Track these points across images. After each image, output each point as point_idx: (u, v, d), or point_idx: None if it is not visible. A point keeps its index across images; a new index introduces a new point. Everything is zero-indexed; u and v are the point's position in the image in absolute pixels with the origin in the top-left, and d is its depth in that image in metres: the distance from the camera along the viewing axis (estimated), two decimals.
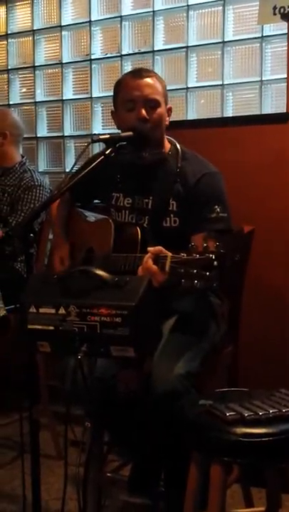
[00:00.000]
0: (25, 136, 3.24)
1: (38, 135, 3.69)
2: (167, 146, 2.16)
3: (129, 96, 2.06)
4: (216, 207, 1.93)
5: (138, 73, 2.11)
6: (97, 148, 3.06)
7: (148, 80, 2.07)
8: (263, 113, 2.94)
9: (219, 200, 2.00)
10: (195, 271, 1.56)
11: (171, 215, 2.07)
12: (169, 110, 2.14)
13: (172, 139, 2.18)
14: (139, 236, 2.02)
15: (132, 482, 2.18)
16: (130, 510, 2.21)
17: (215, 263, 1.54)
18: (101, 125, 3.50)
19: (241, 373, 2.34)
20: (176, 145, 2.16)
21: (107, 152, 1.93)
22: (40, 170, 3.62)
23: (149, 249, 1.75)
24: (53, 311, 1.58)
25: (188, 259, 1.60)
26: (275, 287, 2.61)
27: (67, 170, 3.59)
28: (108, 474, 2.24)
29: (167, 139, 2.18)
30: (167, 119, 2.13)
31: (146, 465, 2.16)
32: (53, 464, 2.70)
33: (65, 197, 2.23)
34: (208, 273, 1.54)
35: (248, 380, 2.31)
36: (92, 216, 2.29)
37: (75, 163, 2.04)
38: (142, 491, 2.11)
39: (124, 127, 2.07)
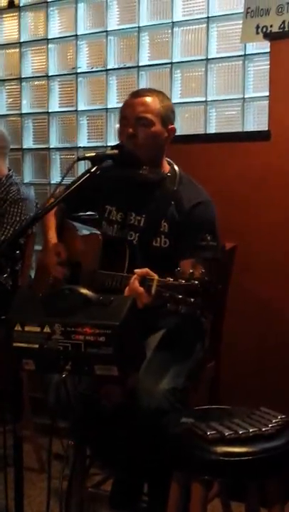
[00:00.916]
0: (11, 147, 3.25)
1: (24, 146, 3.71)
2: (166, 167, 2.18)
3: (123, 113, 2.10)
4: (207, 235, 1.97)
5: (137, 92, 2.14)
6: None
7: (145, 98, 2.08)
8: (245, 130, 2.99)
9: (211, 230, 2.01)
10: (180, 296, 1.60)
11: (162, 236, 2.09)
12: (171, 131, 2.13)
13: (171, 161, 2.20)
14: (128, 253, 2.04)
15: (114, 497, 2.20)
16: None
17: (200, 290, 1.57)
18: (86, 138, 3.53)
19: (223, 387, 2.37)
20: (174, 168, 2.18)
21: (92, 170, 1.94)
22: (25, 181, 3.64)
23: (136, 271, 1.78)
24: (38, 329, 1.60)
25: (174, 283, 1.63)
26: (257, 302, 2.65)
27: (52, 182, 3.61)
28: (90, 489, 2.25)
29: (167, 161, 2.19)
30: (165, 139, 2.11)
31: (128, 480, 2.18)
32: (35, 478, 2.71)
33: (60, 206, 2.23)
34: (192, 299, 1.58)
35: (229, 394, 2.34)
36: (82, 229, 2.30)
37: (61, 181, 2.05)
38: (124, 505, 2.13)
39: (118, 143, 2.10)
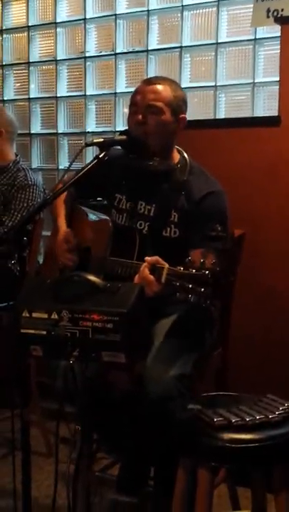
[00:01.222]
0: (18, 132, 3.25)
1: (32, 132, 3.70)
2: (176, 157, 2.16)
3: (133, 99, 2.10)
4: (218, 225, 1.96)
5: (149, 79, 2.12)
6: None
7: (157, 86, 2.06)
8: (254, 115, 2.96)
9: (221, 220, 2.00)
10: (190, 285, 1.59)
11: (172, 226, 2.09)
12: (182, 120, 2.11)
13: (182, 150, 2.18)
14: (137, 242, 2.03)
15: (121, 481, 2.21)
16: (118, 509, 2.24)
17: (210, 280, 1.57)
18: (95, 123, 3.52)
19: (230, 375, 2.37)
20: (185, 157, 2.16)
21: (100, 156, 1.93)
22: (33, 166, 3.63)
23: (146, 258, 1.78)
24: (45, 315, 1.60)
25: (185, 273, 1.63)
26: (265, 290, 2.65)
27: (60, 167, 3.61)
28: (97, 473, 2.27)
29: (177, 149, 2.17)
30: (175, 128, 2.09)
31: (134, 465, 2.20)
32: (42, 462, 2.73)
33: (70, 191, 2.22)
34: (202, 289, 1.57)
35: (236, 382, 2.34)
36: (93, 215, 2.29)
37: (69, 167, 2.04)
38: (130, 490, 2.14)
39: (126, 129, 2.09)
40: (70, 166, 2.05)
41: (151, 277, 1.74)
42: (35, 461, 2.55)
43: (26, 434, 1.91)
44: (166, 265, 1.72)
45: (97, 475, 2.27)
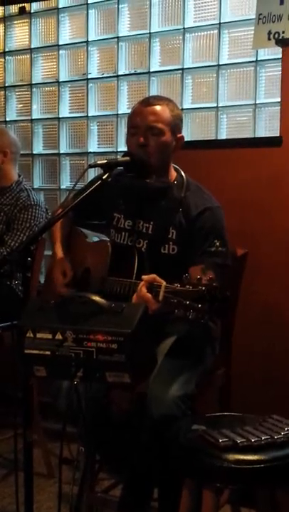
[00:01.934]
0: (21, 152, 3.26)
1: (34, 152, 3.72)
2: (173, 174, 2.18)
3: (133, 122, 2.10)
4: (216, 241, 1.97)
5: (147, 101, 2.13)
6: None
7: (155, 107, 2.08)
8: (256, 136, 2.99)
9: (219, 235, 2.03)
10: (187, 302, 1.60)
11: (170, 243, 2.10)
12: (180, 139, 2.13)
13: (178, 168, 2.20)
14: (136, 260, 2.04)
15: (123, 502, 2.19)
16: None
17: (207, 296, 1.57)
18: (97, 143, 3.54)
19: (233, 394, 2.37)
20: (182, 175, 2.18)
21: (104, 177, 1.95)
22: (35, 186, 3.65)
23: (144, 277, 1.79)
24: (49, 336, 1.60)
25: (182, 289, 1.64)
26: (268, 308, 2.65)
27: (62, 187, 3.63)
28: (99, 494, 2.25)
29: (173, 167, 2.19)
30: (173, 147, 2.11)
31: (137, 486, 2.18)
32: (43, 482, 2.71)
33: (68, 214, 2.24)
34: (199, 305, 1.58)
35: (240, 400, 2.34)
36: (91, 236, 2.31)
37: (73, 187, 2.06)
38: (133, 511, 2.12)
39: (128, 151, 2.10)
40: (74, 186, 2.06)
41: (149, 295, 1.75)
42: (36, 482, 2.53)
43: (29, 455, 1.89)
44: (164, 283, 1.72)
45: (100, 496, 2.25)
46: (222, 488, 1.72)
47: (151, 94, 3.17)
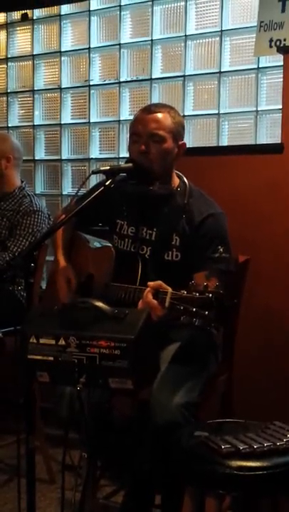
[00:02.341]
0: (23, 158, 3.27)
1: (36, 158, 3.73)
2: (176, 181, 2.18)
3: (135, 129, 2.11)
4: (220, 247, 1.97)
5: (148, 108, 2.14)
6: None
7: (157, 115, 2.08)
8: (257, 142, 3.00)
9: (223, 241, 2.03)
10: (194, 309, 1.60)
11: (174, 249, 2.10)
12: (182, 146, 2.14)
13: (181, 175, 2.20)
14: (140, 267, 2.05)
15: (125, 509, 2.19)
16: None
17: (214, 303, 1.58)
18: (98, 150, 3.56)
19: (235, 400, 2.37)
20: (184, 181, 2.18)
21: (106, 183, 1.95)
22: (37, 192, 3.67)
23: (149, 283, 1.79)
24: (53, 341, 1.60)
25: (188, 296, 1.64)
26: (270, 315, 2.65)
27: (63, 193, 3.64)
28: (101, 500, 2.25)
29: (176, 174, 2.19)
30: (175, 154, 2.12)
31: (139, 492, 2.18)
32: (45, 489, 2.70)
33: (71, 220, 2.24)
34: (206, 312, 1.58)
35: (242, 408, 2.33)
36: (94, 242, 2.32)
37: (76, 193, 2.07)
38: None
39: (131, 157, 2.11)
40: (77, 192, 2.08)
41: (155, 302, 1.75)
42: (37, 488, 2.52)
43: (31, 461, 1.89)
44: (170, 289, 1.73)
45: (102, 502, 2.24)
46: (224, 495, 1.72)
47: (152, 101, 3.19)
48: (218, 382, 2.25)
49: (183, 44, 3.19)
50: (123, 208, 2.23)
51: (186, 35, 3.18)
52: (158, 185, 2.07)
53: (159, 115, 2.09)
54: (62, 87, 3.62)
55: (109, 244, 2.23)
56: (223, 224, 2.12)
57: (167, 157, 2.10)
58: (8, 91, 3.83)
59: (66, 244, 2.34)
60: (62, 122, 3.63)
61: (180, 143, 2.13)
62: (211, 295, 1.61)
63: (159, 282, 1.77)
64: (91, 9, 3.46)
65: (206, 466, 1.63)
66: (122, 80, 3.40)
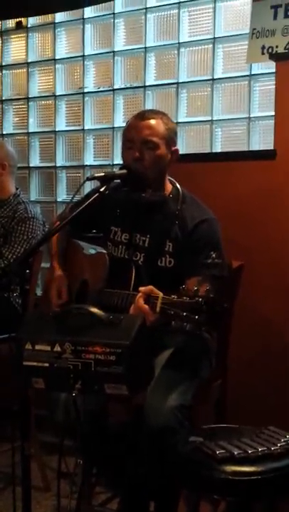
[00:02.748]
0: (18, 165, 3.27)
1: (31, 165, 3.74)
2: (168, 187, 2.19)
3: (128, 136, 2.12)
4: (212, 253, 1.98)
5: (142, 115, 2.15)
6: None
7: (150, 121, 2.10)
8: (250, 149, 3.02)
9: (215, 247, 2.04)
10: (184, 313, 1.61)
11: (167, 256, 2.11)
12: (175, 153, 2.15)
13: (174, 181, 2.21)
14: (133, 273, 2.06)
15: None
16: None
17: (204, 307, 1.59)
18: (93, 156, 3.57)
19: (229, 405, 2.37)
20: (177, 187, 2.19)
21: (101, 190, 1.96)
22: (31, 199, 3.67)
23: (141, 289, 1.80)
24: (48, 348, 1.61)
25: (178, 301, 1.65)
26: (264, 320, 2.66)
27: (58, 200, 3.65)
28: (96, 507, 2.25)
29: (169, 180, 2.21)
30: (169, 160, 2.13)
31: (134, 498, 2.18)
32: (40, 496, 2.69)
33: (65, 227, 2.25)
34: (196, 317, 1.59)
35: (236, 413, 2.34)
36: (89, 248, 2.33)
37: (71, 200, 2.08)
38: None
39: (125, 164, 2.12)
40: (72, 199, 2.09)
41: (146, 307, 1.76)
42: (32, 495, 2.52)
43: (27, 469, 1.89)
44: (161, 294, 1.74)
45: (97, 509, 2.24)
46: (219, 500, 1.72)
47: (146, 108, 3.20)
48: (212, 388, 2.26)
49: (176, 51, 3.21)
50: (117, 214, 2.24)
51: (179, 43, 3.20)
52: (150, 192, 2.09)
53: (152, 122, 2.10)
54: (57, 94, 3.63)
55: (104, 251, 2.24)
56: (216, 229, 2.13)
57: (161, 163, 2.11)
58: (3, 98, 3.83)
59: (62, 251, 2.35)
60: (56, 129, 3.64)
61: (173, 149, 2.15)
62: (201, 299, 1.62)
63: (150, 287, 1.79)
64: (85, 17, 3.48)
65: (201, 471, 1.63)
66: (116, 87, 3.42)
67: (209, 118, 3.13)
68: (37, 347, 1.62)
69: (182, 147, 3.21)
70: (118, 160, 3.39)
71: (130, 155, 2.09)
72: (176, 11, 3.19)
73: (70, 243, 2.38)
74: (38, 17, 3.63)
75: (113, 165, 3.43)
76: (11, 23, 3.76)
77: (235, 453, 1.62)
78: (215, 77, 3.11)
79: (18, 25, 3.71)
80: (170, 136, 2.13)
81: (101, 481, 2.45)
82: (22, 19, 3.68)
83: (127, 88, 3.40)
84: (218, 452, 1.63)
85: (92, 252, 2.32)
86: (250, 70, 3.00)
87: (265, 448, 1.65)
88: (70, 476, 1.92)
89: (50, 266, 2.35)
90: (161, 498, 2.05)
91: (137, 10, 3.32)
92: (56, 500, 1.80)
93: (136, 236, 2.18)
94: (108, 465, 2.23)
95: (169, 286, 1.76)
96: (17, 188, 3.11)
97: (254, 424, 1.86)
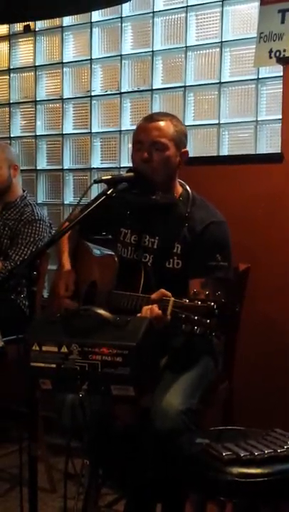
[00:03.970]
0: (25, 168, 3.30)
1: (38, 167, 3.76)
2: (179, 189, 2.20)
3: (137, 137, 2.13)
4: (218, 255, 1.98)
5: (151, 117, 2.16)
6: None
7: (159, 123, 2.11)
8: (257, 152, 3.02)
9: (222, 249, 2.04)
10: (196, 317, 1.61)
11: (175, 258, 2.11)
12: (184, 154, 2.16)
13: (184, 183, 2.22)
14: (142, 275, 2.06)
15: None
16: None
17: (216, 311, 1.59)
18: (100, 159, 3.58)
19: (236, 407, 2.38)
20: (187, 190, 2.20)
21: (108, 193, 1.98)
22: (38, 201, 3.68)
23: (152, 296, 1.81)
24: (55, 349, 1.62)
25: (190, 305, 1.66)
26: (270, 322, 2.66)
27: (65, 202, 3.66)
28: (102, 509, 2.25)
29: (179, 182, 2.21)
30: (178, 162, 2.14)
31: (140, 500, 2.18)
32: (46, 497, 2.70)
33: (74, 228, 2.26)
34: (208, 320, 1.59)
35: (242, 415, 2.34)
36: (98, 250, 2.33)
37: (78, 203, 2.09)
38: None
39: (132, 166, 2.13)
40: (79, 202, 2.09)
41: (158, 310, 1.76)
42: (39, 497, 2.53)
43: (34, 470, 1.90)
44: (172, 298, 1.74)
45: (103, 510, 2.25)
46: (226, 502, 1.72)
47: (153, 111, 3.21)
48: (219, 390, 2.26)
49: (183, 55, 3.22)
50: (127, 216, 2.24)
51: (186, 46, 3.21)
52: (160, 195, 2.09)
53: (162, 123, 2.11)
54: (64, 97, 3.65)
55: (113, 253, 2.25)
56: (225, 232, 2.13)
57: (169, 165, 2.12)
58: (11, 102, 3.85)
59: (72, 251, 2.36)
60: (64, 132, 3.65)
61: (182, 151, 2.15)
62: (213, 303, 1.62)
63: (161, 292, 1.79)
64: (93, 21, 3.50)
65: (208, 473, 1.64)
66: (123, 90, 3.43)
67: (216, 121, 3.14)
68: (44, 348, 1.63)
69: (189, 150, 3.18)
70: (125, 163, 3.40)
71: (139, 156, 2.10)
72: (184, 14, 3.20)
73: (79, 245, 2.39)
74: (45, 21, 3.65)
75: (120, 168, 3.44)
76: (18, 26, 3.77)
77: (242, 455, 1.63)
78: (222, 81, 3.11)
79: (26, 28, 3.73)
80: (179, 138, 2.14)
81: (107, 483, 2.46)
82: (30, 23, 3.69)
83: (134, 91, 3.41)
84: (224, 454, 1.63)
85: (101, 253, 2.32)
86: (258, 73, 3.00)
87: (271, 450, 1.65)
88: (76, 477, 1.93)
89: (58, 265, 2.36)
90: (167, 499, 2.05)
91: (145, 14, 3.33)
92: (63, 502, 1.80)
93: (145, 238, 2.18)
94: (115, 466, 2.23)
95: (177, 288, 1.77)
96: (24, 190, 3.13)
97: (260, 427, 1.86)
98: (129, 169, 2.10)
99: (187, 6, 3.18)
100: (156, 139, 2.09)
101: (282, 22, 2.76)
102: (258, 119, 3.03)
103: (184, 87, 3.23)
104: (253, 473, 1.59)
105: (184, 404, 1.93)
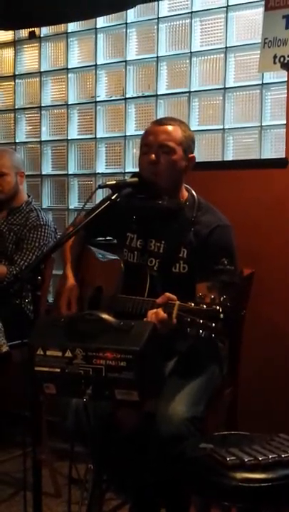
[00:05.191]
0: (30, 173, 3.32)
1: (43, 173, 3.77)
2: (185, 194, 2.20)
3: (145, 140, 2.13)
4: (224, 259, 1.98)
5: (159, 121, 2.17)
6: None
7: (167, 127, 2.11)
8: (262, 157, 3.02)
9: (228, 253, 2.04)
10: (201, 321, 1.61)
11: (181, 262, 2.11)
12: (191, 160, 2.16)
13: (190, 188, 2.22)
14: (148, 279, 2.06)
15: None
16: None
17: (221, 315, 1.59)
18: (104, 165, 3.59)
19: (240, 414, 2.37)
20: (193, 195, 2.20)
21: (112, 198, 1.98)
22: (43, 207, 3.70)
23: (157, 300, 1.81)
24: (59, 353, 1.62)
25: (196, 308, 1.66)
26: (275, 327, 2.66)
27: (70, 207, 3.67)
28: None
29: (185, 187, 2.22)
30: (184, 167, 2.14)
31: (144, 505, 2.18)
32: (50, 502, 2.70)
33: (79, 233, 2.24)
34: (213, 324, 1.59)
35: (247, 420, 2.34)
36: (103, 255, 2.34)
37: (82, 208, 2.09)
38: None
39: (137, 172, 2.13)
40: (83, 207, 2.10)
41: (164, 314, 1.77)
42: (43, 502, 2.52)
43: (38, 474, 1.90)
44: (177, 302, 1.74)
45: None
46: (230, 507, 1.72)
47: (158, 117, 3.22)
48: (223, 395, 2.26)
49: (188, 61, 3.23)
50: (133, 221, 2.24)
51: (191, 52, 3.22)
52: (167, 199, 2.09)
53: (170, 127, 2.12)
54: (69, 103, 3.66)
55: (118, 258, 2.25)
56: (230, 236, 2.13)
57: (176, 169, 2.12)
58: (16, 107, 3.88)
59: (75, 258, 2.36)
60: (69, 138, 3.67)
61: (189, 156, 2.15)
62: (218, 307, 1.62)
63: (166, 295, 1.79)
64: (97, 27, 3.52)
65: (212, 478, 1.63)
66: (128, 96, 3.45)
67: (221, 126, 3.15)
68: (48, 352, 1.63)
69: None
70: (130, 168, 3.41)
71: (146, 159, 2.10)
72: (188, 20, 3.21)
73: (85, 249, 2.39)
74: (51, 27, 3.67)
75: (125, 173, 3.45)
76: (24, 32, 3.79)
77: (246, 460, 1.62)
78: (227, 86, 3.13)
79: (31, 35, 3.75)
80: (187, 142, 2.14)
81: (112, 488, 2.46)
82: (35, 29, 3.72)
83: (139, 97, 3.43)
84: (228, 459, 1.63)
85: (107, 258, 2.33)
86: (262, 79, 3.01)
87: (275, 455, 1.65)
88: (80, 482, 1.94)
89: (62, 273, 2.36)
90: (171, 504, 2.05)
91: (149, 20, 3.35)
92: (67, 507, 1.80)
93: (151, 242, 2.19)
94: (119, 471, 2.23)
95: (182, 292, 1.77)
96: (29, 196, 3.14)
97: (265, 432, 1.86)
98: (134, 174, 2.11)
99: (192, 12, 3.20)
100: (164, 142, 2.09)
101: (287, 27, 2.77)
102: (263, 124, 3.04)
103: (189, 92, 3.24)
104: (257, 478, 1.59)
105: (190, 412, 1.92)
